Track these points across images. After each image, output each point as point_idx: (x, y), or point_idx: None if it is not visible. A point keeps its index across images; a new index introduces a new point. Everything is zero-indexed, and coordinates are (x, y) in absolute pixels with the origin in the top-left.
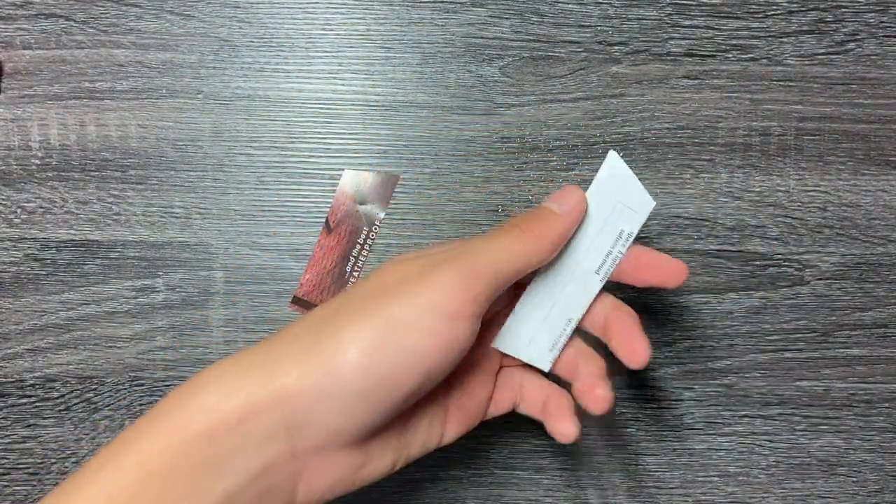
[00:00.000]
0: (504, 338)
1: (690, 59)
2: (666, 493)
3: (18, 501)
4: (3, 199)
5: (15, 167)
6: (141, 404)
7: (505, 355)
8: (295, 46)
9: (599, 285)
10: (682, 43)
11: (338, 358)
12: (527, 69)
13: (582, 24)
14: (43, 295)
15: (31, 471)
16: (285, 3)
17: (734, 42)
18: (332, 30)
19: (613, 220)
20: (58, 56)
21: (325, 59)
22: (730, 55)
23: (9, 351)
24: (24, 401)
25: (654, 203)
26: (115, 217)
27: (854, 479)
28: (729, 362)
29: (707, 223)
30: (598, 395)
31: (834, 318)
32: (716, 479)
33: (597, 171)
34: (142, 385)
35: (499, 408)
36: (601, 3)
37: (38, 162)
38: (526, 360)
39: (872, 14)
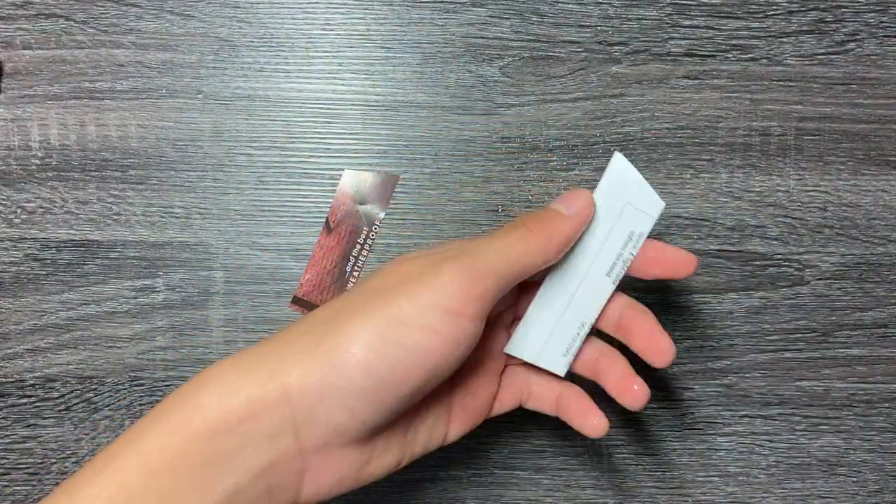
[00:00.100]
0: (517, 343)
1: (690, 59)
2: (666, 493)
3: (18, 501)
4: (3, 199)
5: (15, 167)
6: (141, 404)
7: (511, 355)
8: (295, 46)
9: (612, 288)
10: (682, 43)
11: (340, 356)
12: (527, 69)
13: (582, 24)
14: (43, 295)
15: (31, 471)
16: (285, 3)
17: (734, 42)
18: (332, 30)
19: (622, 222)
20: (58, 56)
21: (325, 59)
22: (730, 55)
23: (9, 351)
24: (24, 401)
25: (664, 204)
26: (115, 217)
27: (854, 479)
28: (729, 362)
29: (707, 223)
30: (637, 391)
31: (834, 318)
32: (716, 479)
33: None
34: (142, 385)
35: (503, 406)
36: (601, 3)
37: (38, 162)
38: (541, 365)
39: (872, 14)
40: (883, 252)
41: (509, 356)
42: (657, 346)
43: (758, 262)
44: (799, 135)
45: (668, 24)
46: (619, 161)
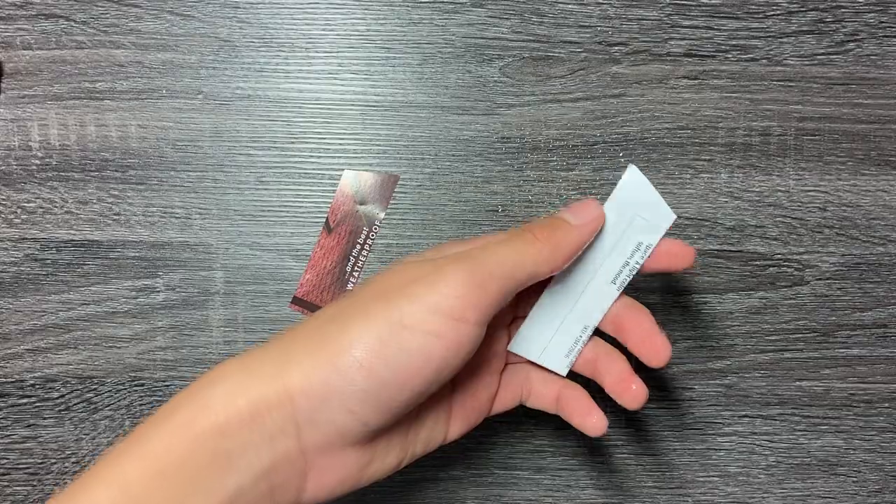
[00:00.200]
0: (520, 341)
1: (690, 60)
2: (666, 493)
3: (18, 501)
4: (3, 199)
5: (15, 167)
6: (141, 404)
7: (511, 353)
8: (295, 46)
9: (616, 294)
10: (682, 43)
11: (343, 358)
12: (527, 69)
13: (582, 24)
14: (43, 295)
15: (31, 471)
16: (285, 3)
17: (734, 42)
18: (332, 30)
19: (632, 232)
20: (58, 56)
21: (325, 59)
22: (730, 55)
23: (9, 351)
24: (24, 401)
25: (675, 216)
26: (115, 217)
27: (854, 479)
28: (729, 362)
29: (707, 223)
30: (635, 391)
31: (834, 318)
32: (716, 479)
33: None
34: (142, 385)
35: (503, 405)
36: (601, 3)
37: (38, 162)
38: (543, 365)
39: (872, 14)
40: (883, 252)
41: (510, 355)
42: (653, 347)
43: (758, 262)
44: (799, 135)
45: (668, 24)
46: (633, 174)
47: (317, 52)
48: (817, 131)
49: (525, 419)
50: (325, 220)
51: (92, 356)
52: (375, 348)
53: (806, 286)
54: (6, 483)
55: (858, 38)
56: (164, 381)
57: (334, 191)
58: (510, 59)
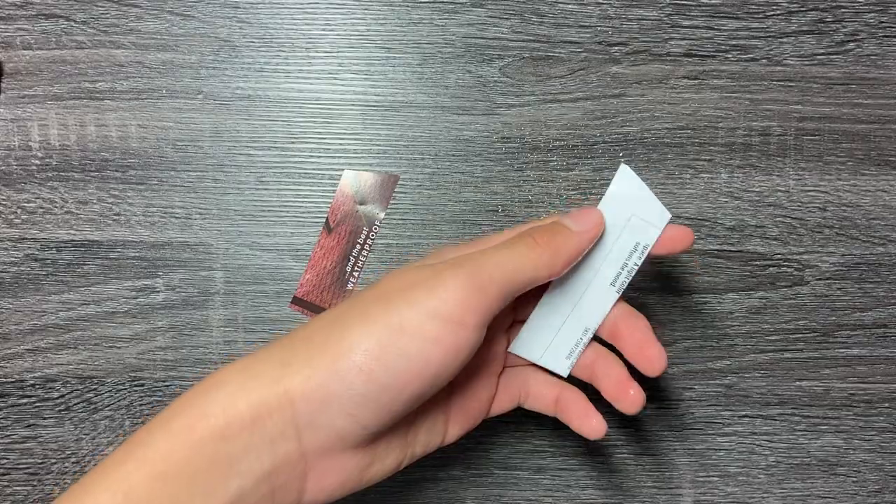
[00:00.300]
0: (521, 343)
1: (690, 60)
2: (666, 493)
3: (18, 501)
4: (3, 199)
5: (15, 167)
6: (141, 404)
7: (510, 356)
8: (295, 46)
9: (616, 296)
10: (682, 43)
11: (342, 363)
12: (527, 69)
13: (582, 24)
14: (43, 295)
15: (31, 471)
16: (285, 3)
17: (734, 42)
18: (332, 30)
19: (628, 233)
20: (58, 56)
21: (325, 59)
22: (730, 55)
23: (9, 351)
24: (24, 401)
25: (670, 215)
26: (115, 217)
27: (854, 479)
28: (729, 362)
29: (707, 223)
30: (633, 396)
31: (834, 318)
32: (716, 479)
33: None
34: (142, 385)
35: (501, 407)
36: (601, 3)
37: (38, 162)
38: (544, 366)
39: (872, 14)
40: (883, 252)
41: (509, 358)
42: (648, 355)
43: (758, 262)
44: (799, 135)
45: (668, 24)
46: (625, 173)
47: (317, 52)
48: (817, 131)
49: (525, 419)
50: (325, 220)
51: (92, 356)
52: (375, 353)
53: (806, 286)
54: (6, 483)
55: (858, 38)
56: (164, 381)
57: (334, 191)
58: (510, 59)
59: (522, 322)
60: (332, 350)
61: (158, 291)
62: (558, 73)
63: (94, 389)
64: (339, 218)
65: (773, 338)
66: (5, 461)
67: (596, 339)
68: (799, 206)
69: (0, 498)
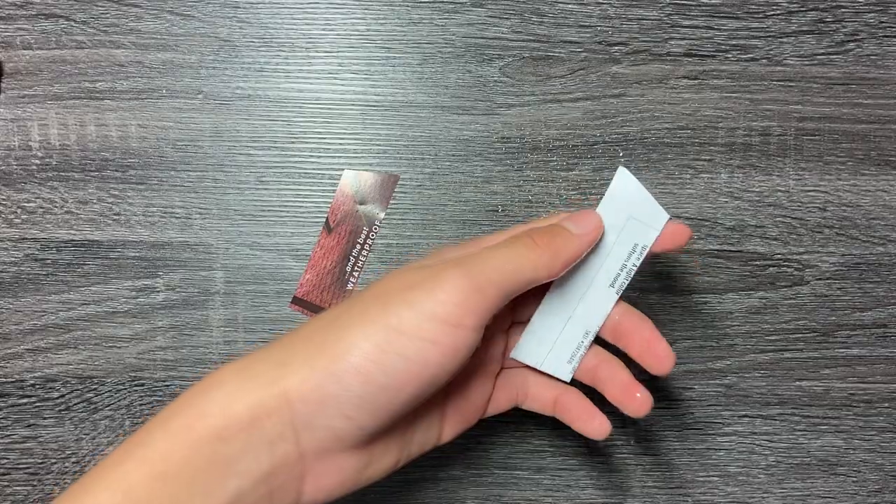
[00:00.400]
0: (522, 349)
1: (690, 59)
2: (666, 493)
3: (18, 501)
4: (3, 199)
5: (15, 167)
6: (141, 404)
7: (507, 357)
8: (295, 46)
9: (615, 298)
10: (682, 43)
11: (339, 365)
12: (527, 69)
13: (582, 24)
14: (43, 295)
15: (31, 471)
16: (285, 3)
17: (734, 42)
18: (332, 30)
19: (626, 234)
20: (58, 56)
21: (325, 59)
22: (730, 55)
23: (9, 351)
24: (24, 401)
25: (668, 216)
26: (115, 217)
27: (854, 479)
28: (729, 362)
29: (707, 223)
30: (640, 399)
31: (834, 318)
32: (716, 479)
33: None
34: (142, 385)
35: (498, 407)
36: (601, 3)
37: (38, 162)
38: (546, 371)
39: (872, 14)
40: (883, 252)
41: (507, 359)
42: (656, 354)
43: (758, 262)
44: (799, 135)
45: (668, 24)
46: (623, 175)
47: (317, 52)
48: (817, 131)
49: (524, 419)
50: (325, 220)
51: (92, 356)
52: (373, 354)
53: (806, 286)
54: (6, 483)
55: (858, 38)
56: (164, 381)
57: (334, 191)
58: (510, 59)
59: (521, 323)
60: (330, 351)
61: (158, 291)
62: (558, 73)
63: (95, 389)
64: (339, 218)
65: (773, 338)
66: (5, 461)
67: (598, 342)
68: (799, 206)
69: (0, 498)
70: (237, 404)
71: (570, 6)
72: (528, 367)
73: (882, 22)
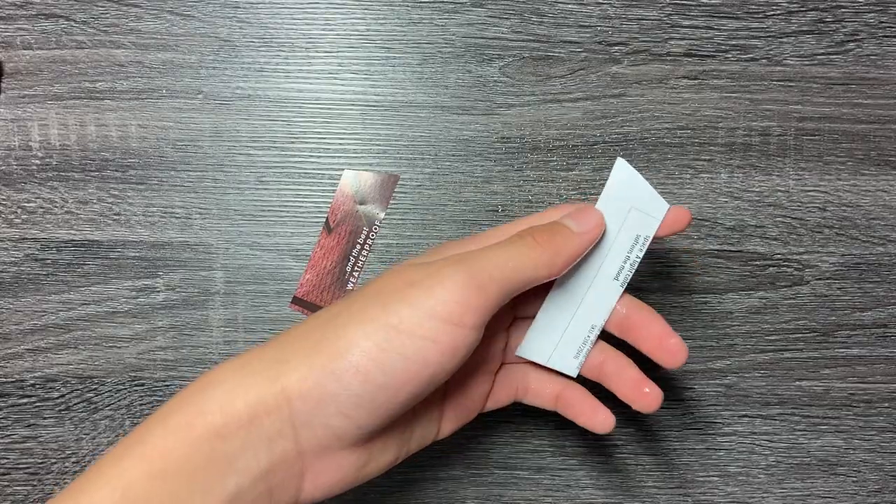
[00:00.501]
0: (527, 346)
1: (690, 59)
2: (666, 493)
3: (18, 501)
4: (3, 199)
5: (15, 167)
6: (141, 404)
7: (508, 354)
8: (295, 46)
9: (620, 291)
10: (682, 43)
11: (338, 363)
12: (527, 69)
13: (582, 24)
14: (43, 295)
15: (31, 471)
16: (285, 3)
17: (734, 42)
18: (332, 30)
19: (628, 226)
20: (58, 56)
21: (325, 59)
22: (730, 55)
23: (9, 351)
24: (25, 401)
25: (669, 206)
26: (115, 217)
27: (854, 479)
28: (729, 362)
29: (707, 223)
30: (649, 394)
31: (834, 318)
32: (716, 479)
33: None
34: (142, 385)
35: (497, 402)
36: (601, 3)
37: (38, 162)
38: (553, 367)
39: (872, 14)
40: (883, 252)
41: (507, 355)
42: (669, 348)
43: (758, 262)
44: (799, 135)
45: (668, 24)
46: (621, 166)
47: (317, 52)
48: (817, 131)
49: (525, 419)
50: (325, 220)
51: (92, 356)
52: (372, 353)
53: (806, 286)
54: (6, 483)
55: (858, 38)
56: (164, 381)
57: (334, 191)
58: (510, 59)
59: (523, 319)
60: (329, 349)
61: (158, 291)
62: (558, 73)
63: (95, 389)
64: (339, 218)
65: (773, 338)
66: (5, 461)
67: (606, 337)
68: (799, 206)
69: (0, 498)
70: (236, 402)
71: (570, 6)
72: (531, 362)
73: (882, 22)
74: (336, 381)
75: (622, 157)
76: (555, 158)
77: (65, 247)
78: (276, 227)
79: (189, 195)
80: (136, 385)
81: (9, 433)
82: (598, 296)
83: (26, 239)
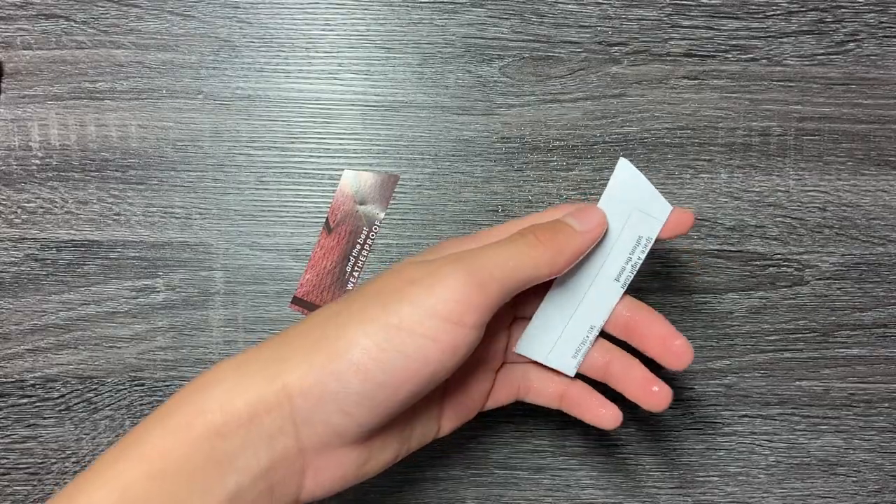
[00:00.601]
0: (526, 343)
1: (690, 60)
2: (666, 493)
3: (18, 501)
4: (3, 199)
5: (15, 167)
6: (141, 404)
7: (509, 352)
8: (295, 46)
9: (620, 292)
10: (682, 43)
11: (338, 361)
12: (527, 69)
13: (582, 24)
14: (43, 295)
15: (31, 471)
16: (285, 3)
17: (734, 42)
18: (332, 30)
19: (631, 226)
20: (58, 56)
21: (325, 59)
22: (730, 55)
23: (9, 351)
24: (25, 401)
25: (672, 207)
26: (115, 217)
27: (854, 479)
28: (729, 362)
29: (707, 223)
30: (658, 392)
31: (834, 318)
32: (716, 479)
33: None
34: (142, 385)
35: (498, 401)
36: (601, 3)
37: (38, 162)
38: (551, 366)
39: (872, 14)
40: (883, 252)
41: (509, 354)
42: (674, 350)
43: (758, 262)
44: (798, 135)
45: (668, 24)
46: (624, 167)
47: (317, 52)
48: (817, 131)
49: (525, 419)
50: (325, 220)
51: (92, 356)
52: (372, 351)
53: (806, 286)
54: (6, 483)
55: (858, 38)
56: (164, 381)
57: (334, 191)
58: (510, 59)
59: (524, 318)
60: (330, 347)
61: (158, 291)
62: (558, 73)
63: (95, 389)
64: (339, 218)
65: (773, 338)
66: (5, 461)
67: (608, 338)
68: (799, 206)
69: (0, 498)
70: (236, 400)
71: (570, 6)
72: (532, 362)
73: (882, 22)
74: (336, 380)
75: (627, 159)
76: (555, 158)
77: (65, 247)
78: (276, 227)
79: (189, 195)
80: (136, 385)
81: (9, 433)
82: (599, 296)
83: (26, 239)
